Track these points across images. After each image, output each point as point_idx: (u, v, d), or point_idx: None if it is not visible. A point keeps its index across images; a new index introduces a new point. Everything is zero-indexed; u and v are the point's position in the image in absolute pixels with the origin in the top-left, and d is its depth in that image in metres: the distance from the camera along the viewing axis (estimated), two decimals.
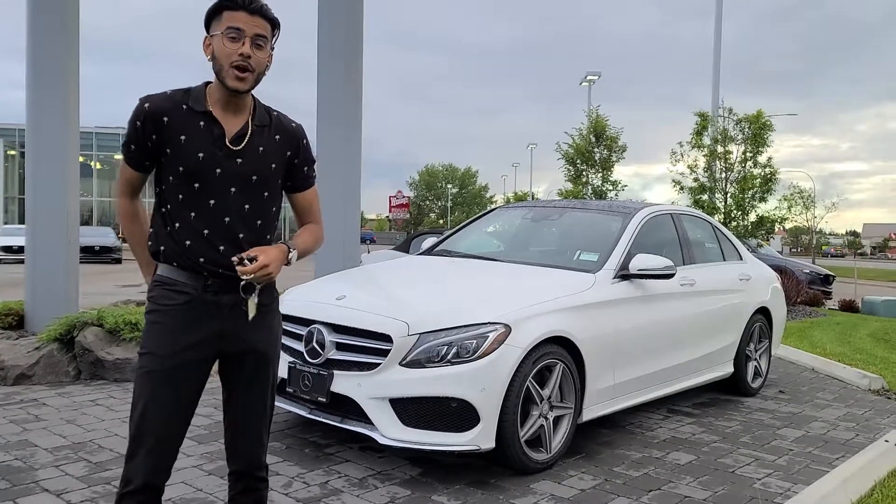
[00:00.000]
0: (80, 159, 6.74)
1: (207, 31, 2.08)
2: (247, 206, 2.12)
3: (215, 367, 2.24)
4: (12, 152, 45.76)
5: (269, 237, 2.21)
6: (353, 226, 7.05)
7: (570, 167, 19.00)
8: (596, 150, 18.78)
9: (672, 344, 4.76)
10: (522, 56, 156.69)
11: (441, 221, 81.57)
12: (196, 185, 2.05)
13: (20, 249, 20.90)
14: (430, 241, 5.59)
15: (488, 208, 6.43)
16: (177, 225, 2.07)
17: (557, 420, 3.86)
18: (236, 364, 2.20)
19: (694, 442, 4.38)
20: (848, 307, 14.39)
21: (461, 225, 5.84)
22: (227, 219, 2.08)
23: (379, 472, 3.60)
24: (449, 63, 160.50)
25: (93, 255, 23.09)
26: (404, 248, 10.82)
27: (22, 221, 34.78)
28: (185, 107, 2.06)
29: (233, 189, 2.09)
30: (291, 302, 4.18)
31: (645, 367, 4.48)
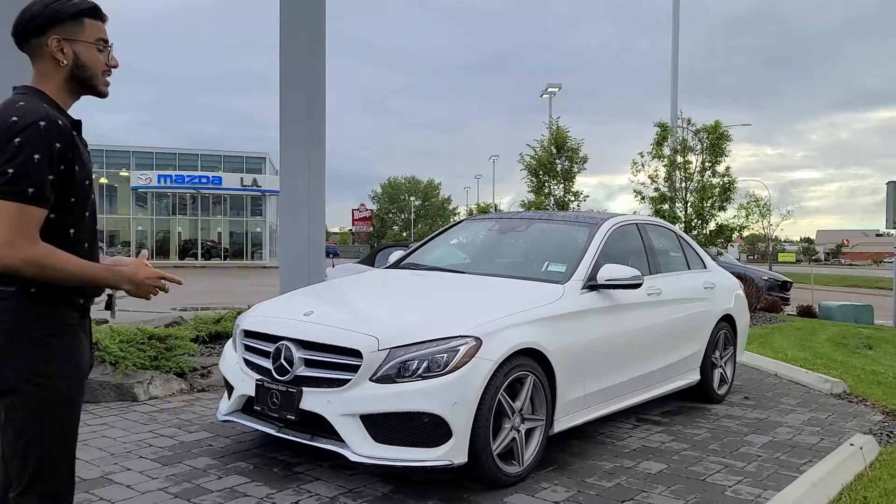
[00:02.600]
0: None
1: (47, 30, 1.90)
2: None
3: None
4: None
5: None
6: (319, 239, 7.00)
7: (533, 178, 19.17)
8: (557, 161, 18.98)
9: (640, 353, 4.79)
10: (483, 69, 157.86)
11: (404, 234, 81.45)
12: (91, 196, 1.98)
13: None
14: (396, 255, 5.55)
15: (455, 220, 6.43)
16: (86, 245, 1.95)
17: (529, 432, 3.84)
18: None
19: (664, 450, 4.40)
20: (806, 313, 14.72)
21: (428, 238, 5.82)
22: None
23: (350, 490, 3.54)
24: (409, 76, 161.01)
25: None
26: (369, 261, 10.75)
27: None
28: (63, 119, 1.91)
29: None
30: (258, 318, 4.11)
31: (614, 377, 4.50)
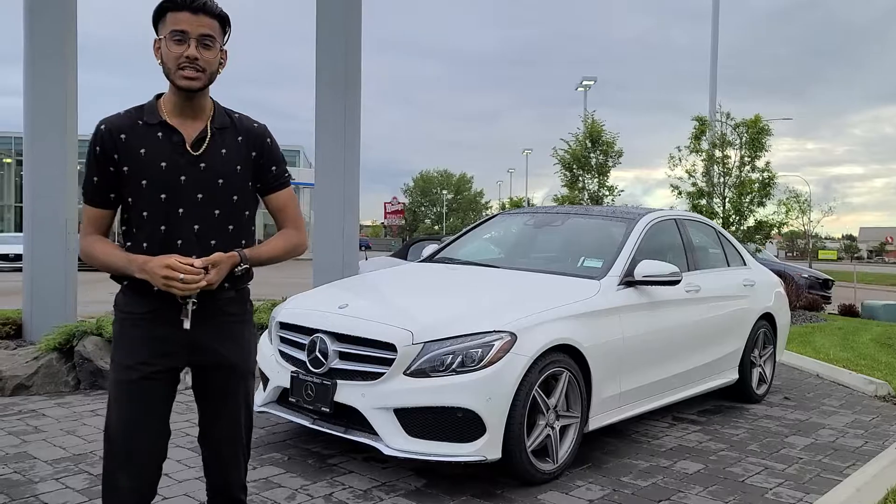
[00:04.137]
0: (77, 168, 6.69)
1: (156, 34, 2.01)
2: (217, 212, 2.06)
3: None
4: (8, 160, 45.62)
5: (245, 242, 2.13)
6: (352, 232, 7.01)
7: (567, 172, 19.00)
8: (592, 155, 18.79)
9: (677, 351, 4.71)
10: (517, 61, 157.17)
11: (436, 227, 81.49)
12: (163, 195, 1.99)
13: (16, 257, 20.77)
14: (430, 248, 5.54)
15: (489, 214, 6.38)
16: (145, 245, 2.02)
17: (564, 429, 3.80)
18: (208, 377, 2.14)
19: (701, 450, 4.33)
20: (848, 311, 14.36)
21: (462, 231, 5.79)
22: (196, 227, 2.03)
23: (383, 484, 3.54)
24: (443, 68, 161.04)
25: None
26: (402, 254, 10.77)
27: (18, 229, 34.62)
28: (140, 122, 2.02)
29: (200, 195, 2.03)
30: (293, 310, 4.13)
31: (651, 374, 4.44)
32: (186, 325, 2.01)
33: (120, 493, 2.02)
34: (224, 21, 2.03)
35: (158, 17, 1.99)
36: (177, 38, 1.94)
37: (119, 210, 2.08)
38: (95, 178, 2.02)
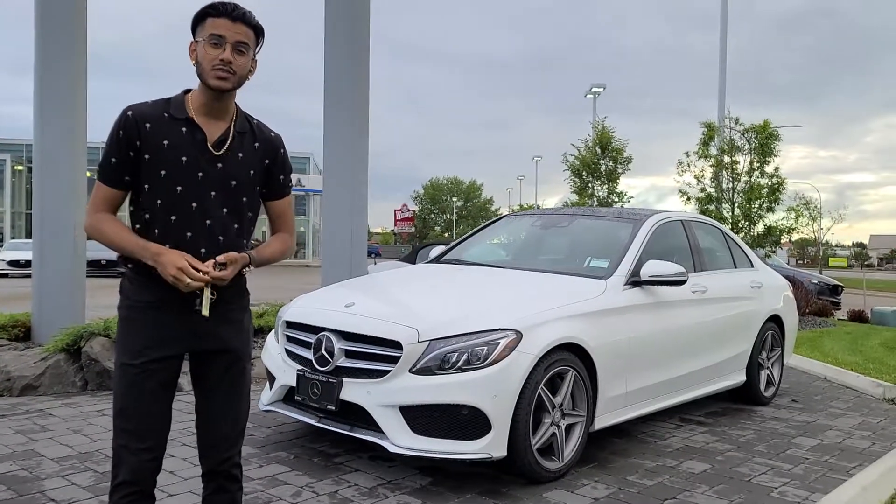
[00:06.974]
0: (87, 174, 6.75)
1: (194, 37, 2.12)
2: (225, 210, 2.16)
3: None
4: (19, 167, 46.00)
5: (245, 241, 2.25)
6: (360, 234, 7.03)
7: (577, 179, 19.00)
8: (601, 161, 18.78)
9: (684, 352, 4.70)
10: (528, 68, 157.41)
11: (446, 234, 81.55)
12: (178, 188, 2.08)
13: (27, 264, 20.91)
14: (438, 249, 5.56)
15: (496, 217, 6.39)
16: (156, 231, 2.10)
17: (569, 428, 3.80)
18: (209, 362, 2.21)
19: (708, 451, 4.31)
20: (857, 317, 14.26)
21: (470, 233, 5.81)
22: (207, 221, 2.13)
23: (389, 482, 3.55)
24: (453, 75, 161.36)
25: (99, 269, 23.12)
26: (410, 259, 10.78)
27: (29, 236, 34.86)
28: (166, 115, 2.10)
29: (213, 193, 2.13)
30: (299, 309, 4.15)
31: (657, 375, 4.43)
32: (205, 312, 2.08)
33: (134, 453, 2.09)
34: (259, 32, 2.14)
35: (198, 22, 2.10)
36: (214, 41, 2.05)
37: (129, 193, 2.15)
38: (113, 160, 2.08)
